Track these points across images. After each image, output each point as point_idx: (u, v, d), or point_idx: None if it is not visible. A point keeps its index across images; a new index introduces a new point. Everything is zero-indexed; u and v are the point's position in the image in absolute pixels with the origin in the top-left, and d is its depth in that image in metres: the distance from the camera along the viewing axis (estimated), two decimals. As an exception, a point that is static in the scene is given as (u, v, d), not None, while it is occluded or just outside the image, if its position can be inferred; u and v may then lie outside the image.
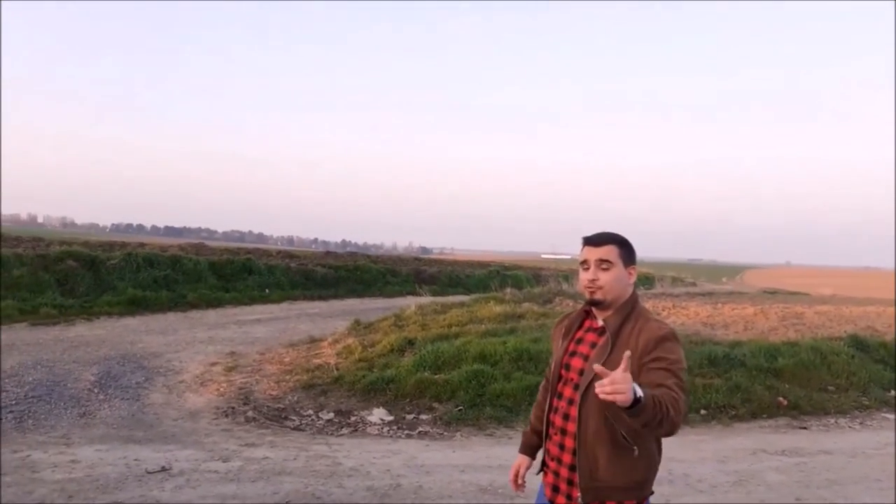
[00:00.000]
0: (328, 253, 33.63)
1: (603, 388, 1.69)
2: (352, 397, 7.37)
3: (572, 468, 2.11)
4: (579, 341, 2.20)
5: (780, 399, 7.73)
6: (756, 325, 12.19)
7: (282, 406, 7.09)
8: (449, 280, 27.08)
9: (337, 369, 8.30)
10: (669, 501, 4.61)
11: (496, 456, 5.53)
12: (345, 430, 6.42)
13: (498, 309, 12.04)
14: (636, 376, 1.91)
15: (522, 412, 6.76)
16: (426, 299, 15.68)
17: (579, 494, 2.08)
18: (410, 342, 9.29)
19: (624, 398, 1.68)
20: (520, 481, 2.37)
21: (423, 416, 6.82)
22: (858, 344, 9.89)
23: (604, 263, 2.13)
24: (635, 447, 2.04)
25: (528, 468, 2.39)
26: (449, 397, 7.19)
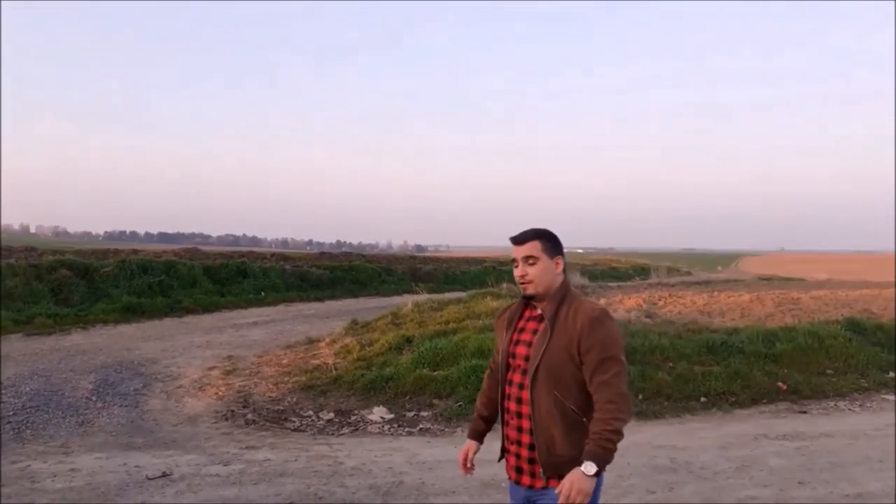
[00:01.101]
0: (323, 254, 33.57)
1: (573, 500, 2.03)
2: (351, 396, 7.35)
3: (531, 447, 2.24)
4: (521, 330, 2.33)
5: (780, 384, 7.75)
6: (753, 312, 12.22)
7: (281, 408, 7.06)
8: (445, 277, 27.06)
9: (335, 369, 8.27)
10: (673, 489, 4.61)
11: (498, 450, 5.51)
12: (345, 430, 6.40)
13: (494, 304, 12.02)
14: (578, 357, 2.17)
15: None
16: (423, 297, 15.65)
17: (541, 470, 2.22)
18: (408, 340, 9.27)
19: (587, 498, 2.05)
20: (468, 465, 2.50)
21: (424, 413, 6.81)
22: (855, 327, 9.93)
23: (530, 259, 2.28)
24: (585, 418, 2.18)
25: (475, 452, 2.52)
26: (449, 393, 7.18)
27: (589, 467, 2.05)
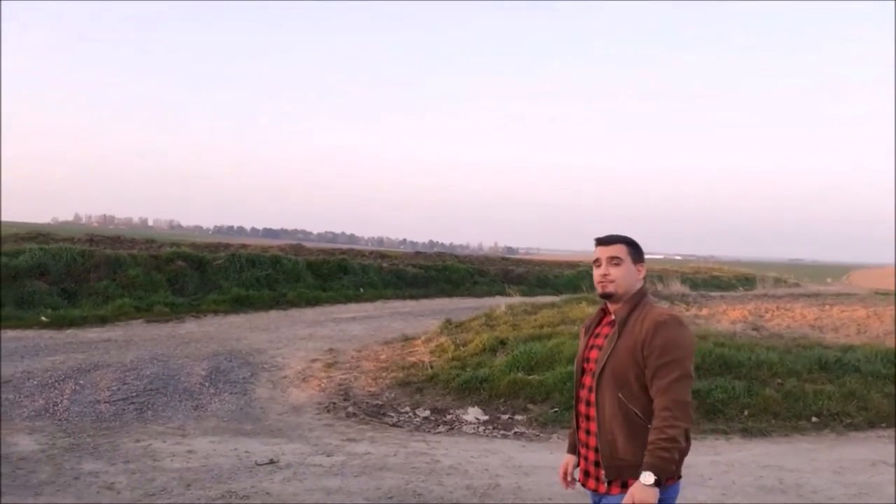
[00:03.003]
0: (418, 253, 34.10)
1: None
2: (447, 395, 7.46)
3: (597, 450, 2.26)
4: (597, 336, 2.39)
5: (901, 408, 7.22)
6: (870, 329, 11.43)
7: (380, 402, 7.26)
8: (537, 280, 26.87)
9: (431, 367, 8.41)
10: (782, 512, 4.41)
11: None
12: (441, 428, 6.50)
13: (590, 310, 11.83)
14: (642, 360, 2.18)
15: (620, 415, 6.64)
16: (516, 299, 15.63)
17: (603, 472, 2.24)
18: (502, 342, 9.29)
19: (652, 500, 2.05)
20: (569, 478, 2.50)
21: (518, 417, 6.82)
22: None
23: (614, 259, 2.33)
24: (650, 424, 2.16)
25: (575, 466, 2.50)
26: (544, 398, 7.15)
27: (647, 477, 2.06)
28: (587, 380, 2.33)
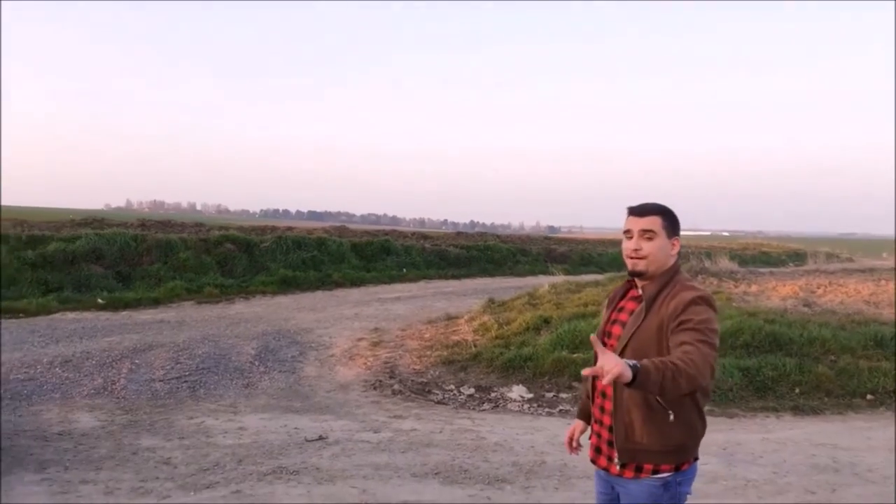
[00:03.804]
0: (459, 233, 34.14)
1: (603, 379, 1.75)
2: (491, 374, 7.49)
3: (611, 429, 2.16)
4: (620, 310, 2.25)
5: (963, 385, 6.97)
6: (930, 304, 11.01)
7: (425, 380, 7.33)
8: (580, 259, 26.66)
9: (475, 346, 8.45)
10: (835, 490, 4.32)
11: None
12: (486, 406, 6.54)
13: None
14: (664, 343, 2.02)
15: (667, 393, 6.58)
16: (559, 278, 15.53)
17: (616, 454, 2.14)
18: (546, 321, 9.26)
19: (617, 371, 1.70)
20: (574, 444, 2.44)
21: (563, 395, 6.81)
22: None
23: (647, 233, 2.15)
24: (671, 412, 2.06)
25: (582, 432, 2.46)
26: (589, 376, 7.11)
27: (630, 366, 1.75)
28: None
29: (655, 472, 2.11)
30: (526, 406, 6.54)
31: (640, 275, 2.19)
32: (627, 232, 2.20)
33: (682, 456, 2.13)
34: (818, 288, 12.91)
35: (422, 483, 4.32)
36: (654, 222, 2.16)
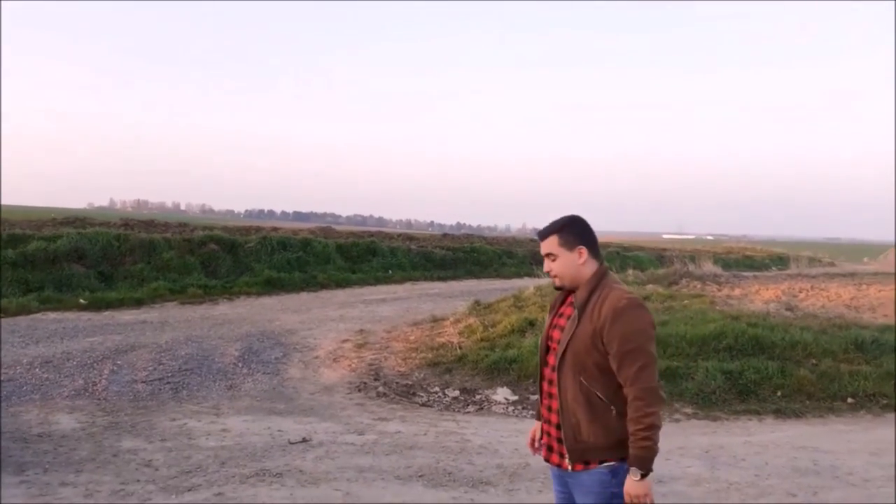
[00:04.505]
0: (445, 235, 34.13)
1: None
2: (476, 376, 7.48)
3: (559, 427, 2.30)
4: (560, 315, 2.40)
5: (942, 389, 7.06)
6: (909, 309, 11.14)
7: (409, 382, 7.32)
8: (567, 261, 26.72)
9: (460, 348, 8.44)
10: (817, 493, 4.36)
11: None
12: (471, 408, 6.54)
13: (621, 290, 11.75)
14: (602, 346, 2.20)
15: (651, 396, 6.61)
16: (545, 280, 15.54)
17: (567, 453, 2.28)
18: (531, 323, 9.27)
19: (642, 491, 2.14)
20: (536, 445, 2.55)
21: (548, 397, 6.81)
22: None
23: (550, 255, 2.36)
24: (612, 407, 2.21)
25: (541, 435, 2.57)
26: (573, 379, 7.13)
27: (635, 473, 2.13)
28: (551, 359, 2.35)
29: (602, 461, 2.25)
30: (511, 408, 6.54)
31: (561, 289, 2.39)
32: (543, 255, 2.41)
33: (625, 450, 2.23)
34: (800, 292, 13.04)
35: (406, 486, 4.31)
36: (551, 244, 2.35)
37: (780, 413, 6.41)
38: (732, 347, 7.65)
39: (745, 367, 7.08)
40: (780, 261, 35.04)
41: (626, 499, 2.16)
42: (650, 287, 12.69)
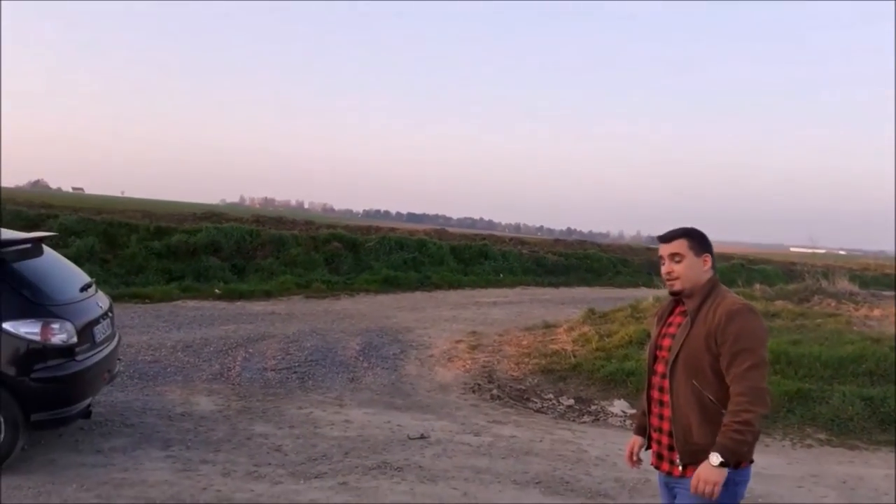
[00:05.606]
0: (557, 240, 33.70)
1: (702, 495, 2.17)
2: (591, 386, 7.38)
3: (671, 434, 2.34)
4: (669, 325, 2.45)
5: None
6: None
7: (523, 387, 7.33)
8: (686, 272, 25.68)
9: (574, 356, 8.34)
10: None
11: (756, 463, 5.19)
12: (586, 418, 6.47)
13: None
14: (716, 348, 2.24)
15: (780, 419, 6.27)
16: (664, 291, 15.05)
17: (678, 457, 2.31)
18: (650, 335, 9.00)
19: (713, 479, 2.15)
20: (634, 458, 2.59)
21: (667, 412, 6.62)
22: None
23: (675, 256, 2.39)
24: (724, 409, 2.23)
25: (641, 447, 2.58)
26: (695, 395, 6.88)
27: (714, 458, 2.15)
28: (660, 367, 2.40)
29: None
30: (627, 422, 6.40)
31: (678, 294, 2.42)
32: (661, 258, 2.46)
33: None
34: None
35: (523, 491, 4.34)
36: (679, 245, 2.40)
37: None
38: (873, 372, 7.12)
39: (888, 394, 6.57)
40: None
41: (693, 480, 2.17)
42: (779, 303, 11.96)
